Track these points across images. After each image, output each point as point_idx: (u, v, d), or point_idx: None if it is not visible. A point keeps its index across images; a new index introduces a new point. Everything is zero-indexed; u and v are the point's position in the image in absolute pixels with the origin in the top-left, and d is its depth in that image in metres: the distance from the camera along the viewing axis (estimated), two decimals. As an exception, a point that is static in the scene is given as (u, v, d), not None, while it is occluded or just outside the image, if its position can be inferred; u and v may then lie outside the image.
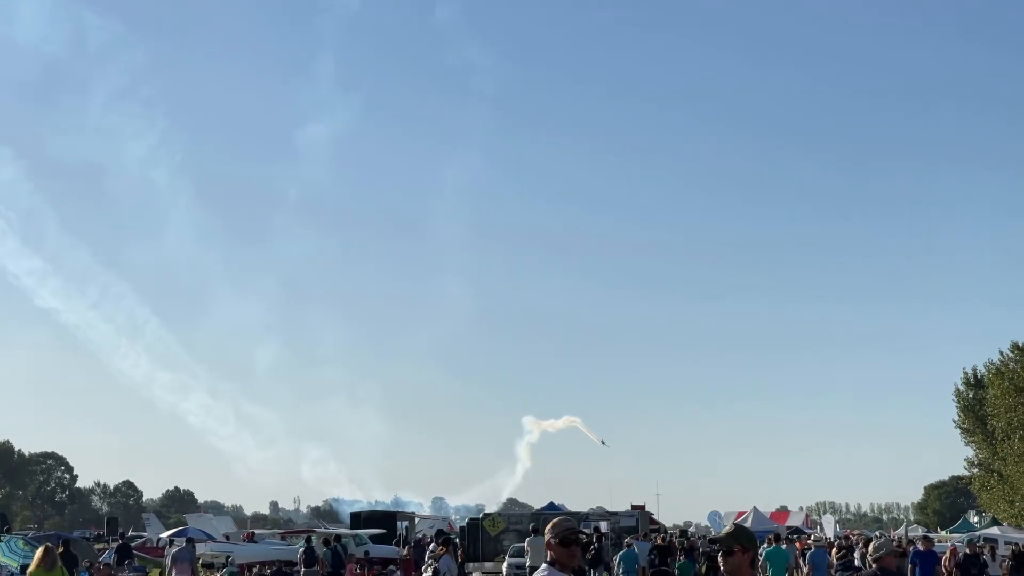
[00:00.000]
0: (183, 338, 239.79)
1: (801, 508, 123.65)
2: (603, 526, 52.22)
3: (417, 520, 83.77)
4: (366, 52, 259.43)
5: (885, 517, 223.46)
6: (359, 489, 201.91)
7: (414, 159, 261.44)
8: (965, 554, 37.50)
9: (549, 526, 8.25)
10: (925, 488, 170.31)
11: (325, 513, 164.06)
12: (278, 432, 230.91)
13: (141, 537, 76.59)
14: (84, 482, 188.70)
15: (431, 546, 40.49)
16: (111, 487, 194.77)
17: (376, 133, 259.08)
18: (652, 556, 38.47)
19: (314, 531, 59.96)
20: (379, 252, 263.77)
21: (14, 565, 36.66)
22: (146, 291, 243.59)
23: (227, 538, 69.66)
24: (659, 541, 41.30)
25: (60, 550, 25.12)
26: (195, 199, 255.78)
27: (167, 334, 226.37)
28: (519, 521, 57.33)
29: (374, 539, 60.89)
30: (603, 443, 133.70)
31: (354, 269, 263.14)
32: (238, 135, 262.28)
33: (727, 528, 7.98)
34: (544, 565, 8.11)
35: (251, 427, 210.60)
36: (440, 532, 33.23)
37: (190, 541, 43.43)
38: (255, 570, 49.56)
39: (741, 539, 7.88)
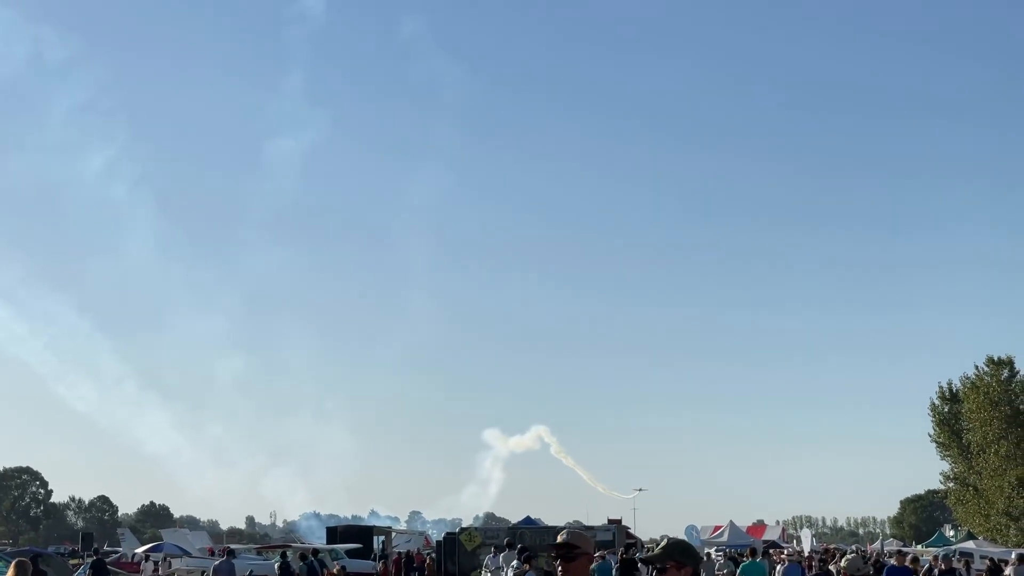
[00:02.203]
0: (148, 354, 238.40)
1: (778, 522, 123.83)
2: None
3: (394, 535, 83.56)
4: (333, 66, 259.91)
5: (861, 531, 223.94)
6: (330, 504, 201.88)
7: (381, 172, 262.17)
8: (941, 569, 37.51)
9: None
10: (901, 502, 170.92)
11: (301, 527, 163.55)
12: (247, 447, 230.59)
13: (116, 552, 76.10)
14: (59, 497, 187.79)
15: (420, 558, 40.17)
16: (86, 502, 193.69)
17: (343, 147, 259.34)
18: (616, 571, 38.41)
19: (290, 546, 59.81)
20: (346, 266, 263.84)
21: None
22: (104, 308, 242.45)
23: (212, 553, 69.37)
24: (622, 555, 41.23)
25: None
26: (157, 213, 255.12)
27: (130, 351, 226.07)
28: (495, 535, 57.24)
29: (350, 554, 60.73)
30: (640, 490, 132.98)
31: (321, 283, 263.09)
32: (204, 149, 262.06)
33: (661, 544, 7.67)
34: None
35: (219, 442, 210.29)
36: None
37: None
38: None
39: (674, 554, 7.37)
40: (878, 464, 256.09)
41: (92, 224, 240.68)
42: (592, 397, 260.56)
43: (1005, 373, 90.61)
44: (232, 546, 63.97)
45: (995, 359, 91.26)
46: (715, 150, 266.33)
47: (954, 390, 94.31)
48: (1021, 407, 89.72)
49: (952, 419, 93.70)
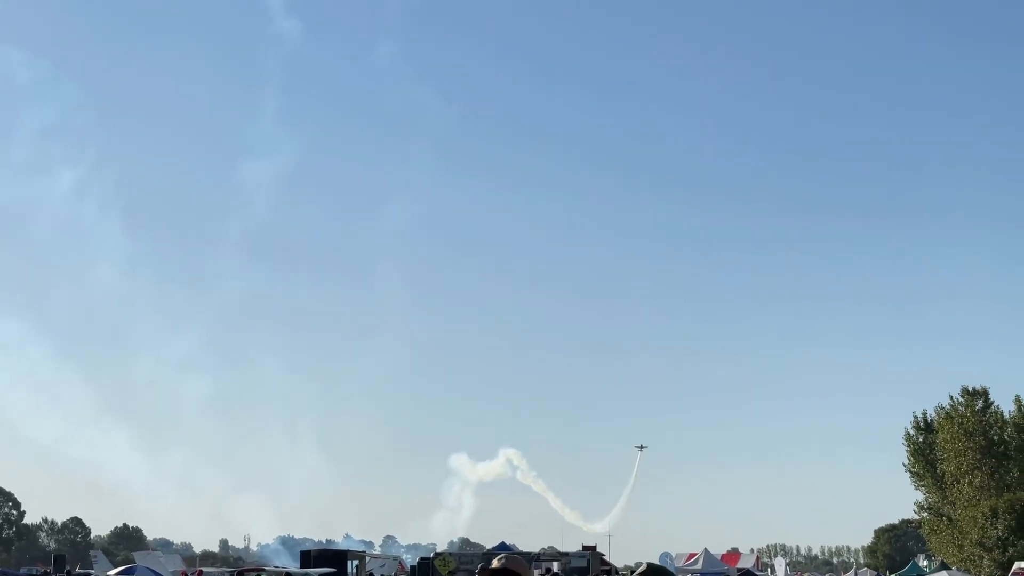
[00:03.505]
0: (115, 377, 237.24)
1: (752, 550, 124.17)
2: (555, 566, 52.24)
3: (368, 559, 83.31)
4: (308, 89, 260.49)
5: (835, 560, 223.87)
6: (302, 527, 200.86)
7: (353, 196, 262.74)
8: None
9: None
10: (875, 531, 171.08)
11: (274, 551, 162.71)
12: (218, 470, 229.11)
13: (88, 575, 75.73)
14: (32, 518, 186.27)
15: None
16: (59, 524, 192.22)
17: (316, 170, 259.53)
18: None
19: (264, 568, 59.55)
20: (317, 289, 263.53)
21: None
22: (69, 330, 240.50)
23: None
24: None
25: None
26: (125, 234, 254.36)
27: (96, 374, 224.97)
28: (469, 561, 57.22)
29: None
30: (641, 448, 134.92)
31: (292, 306, 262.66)
32: (175, 170, 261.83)
33: (640, 569, 7.78)
34: None
35: (190, 465, 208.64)
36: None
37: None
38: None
39: None
40: (852, 493, 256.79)
41: (58, 245, 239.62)
42: (571, 426, 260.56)
43: (980, 404, 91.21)
44: (205, 569, 63.81)
45: (970, 390, 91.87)
46: (700, 194, 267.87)
47: (929, 420, 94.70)
48: (995, 438, 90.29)
49: (927, 449, 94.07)
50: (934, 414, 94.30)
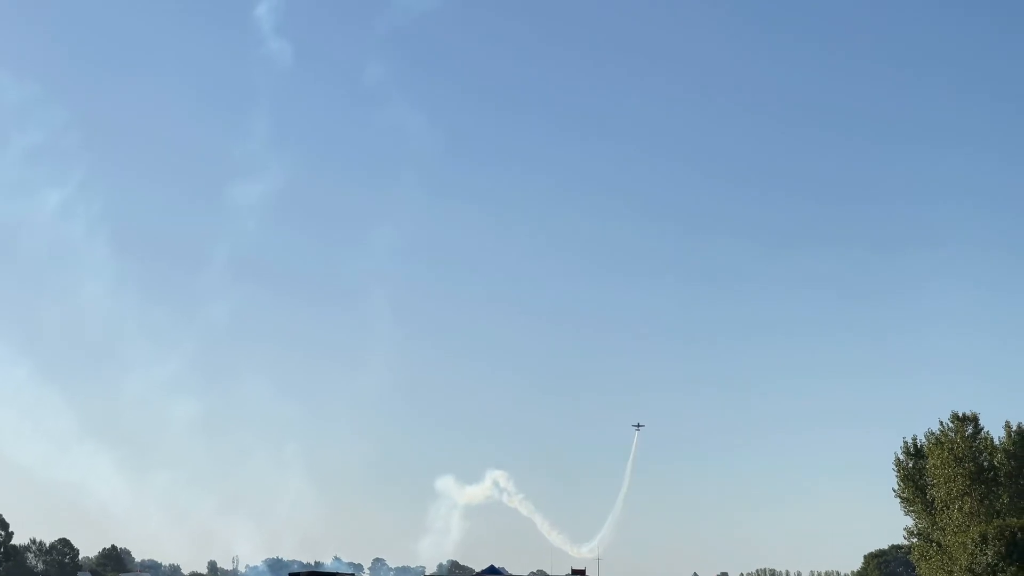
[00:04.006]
0: (102, 398, 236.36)
1: (742, 574, 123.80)
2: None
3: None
4: (298, 111, 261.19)
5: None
6: (289, 549, 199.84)
7: (342, 217, 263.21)
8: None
9: None
10: (865, 556, 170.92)
11: (261, 574, 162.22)
12: (207, 491, 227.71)
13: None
14: (20, 539, 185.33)
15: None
16: (47, 545, 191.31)
17: (305, 191, 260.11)
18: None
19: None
20: (306, 310, 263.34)
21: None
22: (56, 351, 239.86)
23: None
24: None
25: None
26: (113, 256, 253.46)
27: (82, 395, 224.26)
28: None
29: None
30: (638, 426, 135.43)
31: (280, 326, 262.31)
32: (165, 190, 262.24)
33: None
34: None
35: (179, 487, 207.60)
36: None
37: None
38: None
39: None
40: (842, 518, 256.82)
41: (45, 266, 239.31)
42: (561, 449, 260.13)
43: (970, 430, 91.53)
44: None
45: (960, 416, 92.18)
46: (681, 226, 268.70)
47: (919, 446, 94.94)
48: (985, 464, 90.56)
49: (917, 475, 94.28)
50: (924, 440, 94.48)
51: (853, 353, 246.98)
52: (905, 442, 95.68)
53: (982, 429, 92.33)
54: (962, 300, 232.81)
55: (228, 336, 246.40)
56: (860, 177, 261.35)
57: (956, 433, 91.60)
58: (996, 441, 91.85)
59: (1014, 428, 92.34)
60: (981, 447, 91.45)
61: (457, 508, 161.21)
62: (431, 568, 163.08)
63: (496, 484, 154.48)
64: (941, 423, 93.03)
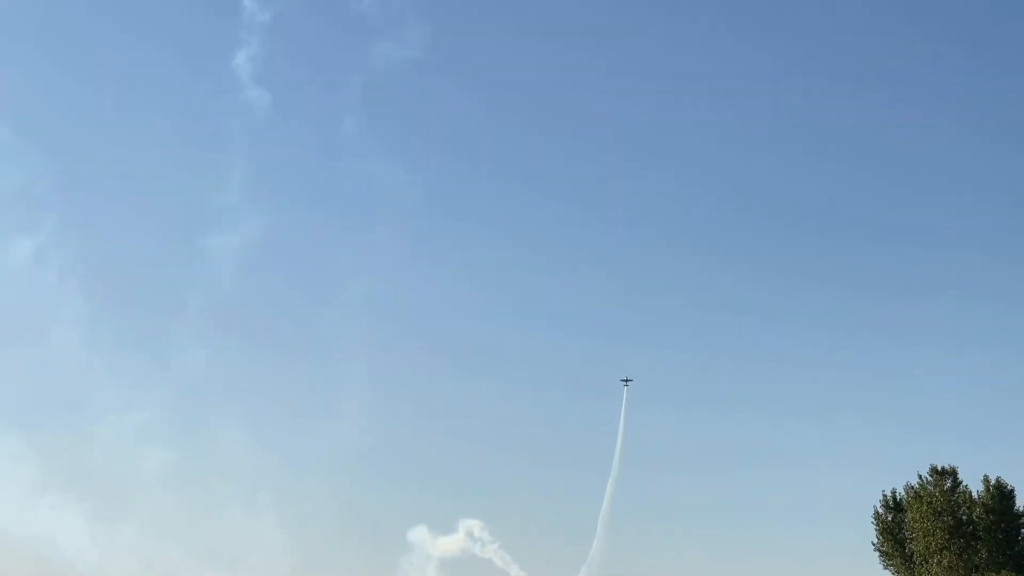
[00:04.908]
0: (70, 450, 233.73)
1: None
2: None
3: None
4: (274, 162, 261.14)
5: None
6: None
7: (318, 269, 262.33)
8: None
9: None
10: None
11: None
12: (177, 544, 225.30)
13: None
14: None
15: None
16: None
17: (281, 242, 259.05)
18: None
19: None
20: (280, 361, 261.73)
21: None
22: (24, 401, 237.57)
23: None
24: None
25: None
26: (85, 303, 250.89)
27: (50, 446, 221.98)
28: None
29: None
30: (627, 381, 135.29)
31: (254, 378, 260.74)
32: (139, 240, 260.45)
33: None
34: None
35: (146, 540, 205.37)
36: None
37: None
38: None
39: None
40: (820, 571, 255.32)
41: (16, 312, 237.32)
42: (537, 496, 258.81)
43: (948, 483, 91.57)
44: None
45: (939, 469, 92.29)
46: (673, 249, 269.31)
47: (898, 499, 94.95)
48: (964, 518, 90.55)
49: (896, 528, 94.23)
50: (903, 493, 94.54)
51: (834, 404, 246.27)
52: (884, 495, 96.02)
53: (960, 483, 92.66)
54: (945, 355, 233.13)
55: (201, 386, 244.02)
56: (845, 221, 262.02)
57: (935, 487, 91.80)
58: (975, 495, 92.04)
59: (992, 482, 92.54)
60: (960, 501, 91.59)
61: (431, 560, 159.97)
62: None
63: (470, 534, 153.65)
64: (920, 476, 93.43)
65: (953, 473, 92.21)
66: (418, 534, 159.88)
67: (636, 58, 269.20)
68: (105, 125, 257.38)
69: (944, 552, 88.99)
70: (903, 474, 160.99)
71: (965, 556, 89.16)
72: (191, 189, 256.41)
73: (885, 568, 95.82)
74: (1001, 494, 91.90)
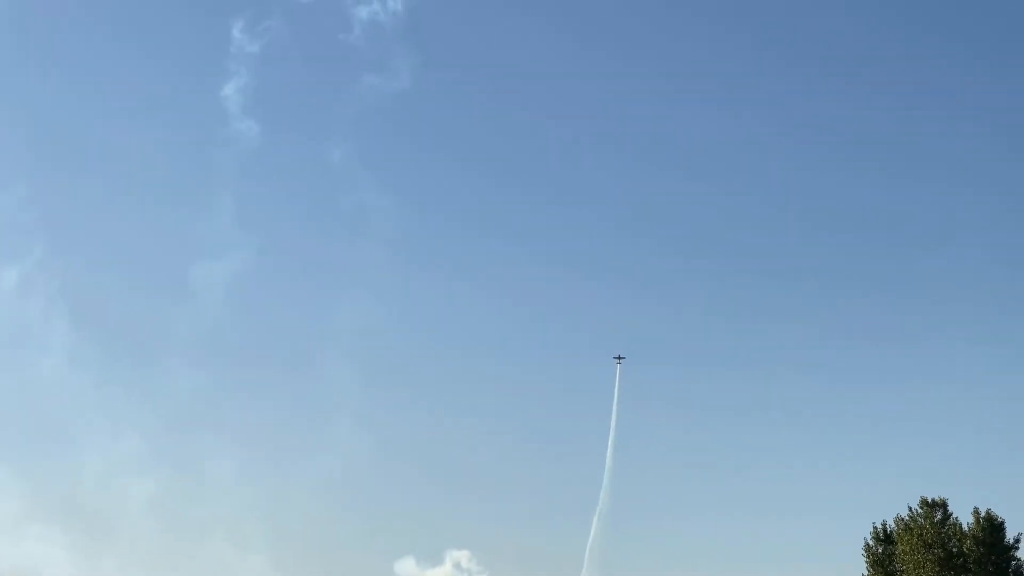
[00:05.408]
0: (55, 478, 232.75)
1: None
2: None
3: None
4: (263, 190, 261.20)
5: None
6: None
7: (308, 298, 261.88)
8: None
9: None
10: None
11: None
12: (162, 574, 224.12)
13: None
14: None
15: None
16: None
17: (271, 271, 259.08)
18: None
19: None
20: (269, 391, 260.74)
21: None
22: (9, 428, 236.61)
23: None
24: None
25: None
26: (71, 333, 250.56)
27: (35, 475, 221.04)
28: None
29: None
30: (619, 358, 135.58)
31: (242, 407, 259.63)
32: (127, 268, 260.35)
33: None
34: None
35: (131, 570, 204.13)
36: None
37: None
38: None
39: None
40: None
41: (2, 341, 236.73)
42: (524, 527, 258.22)
43: (939, 515, 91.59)
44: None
45: (929, 501, 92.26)
46: (647, 302, 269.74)
47: (888, 531, 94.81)
48: (955, 550, 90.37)
49: (886, 560, 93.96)
50: (893, 525, 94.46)
51: (823, 436, 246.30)
52: (875, 527, 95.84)
53: (951, 515, 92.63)
54: (934, 384, 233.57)
55: (188, 416, 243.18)
56: (824, 266, 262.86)
57: (925, 519, 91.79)
58: (965, 527, 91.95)
59: (983, 514, 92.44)
60: (950, 533, 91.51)
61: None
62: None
63: (458, 565, 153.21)
64: (910, 508, 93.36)
65: (943, 505, 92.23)
66: (405, 566, 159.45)
67: (630, 73, 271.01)
68: (92, 154, 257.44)
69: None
70: (894, 506, 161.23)
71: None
72: (179, 219, 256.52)
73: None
74: (991, 526, 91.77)
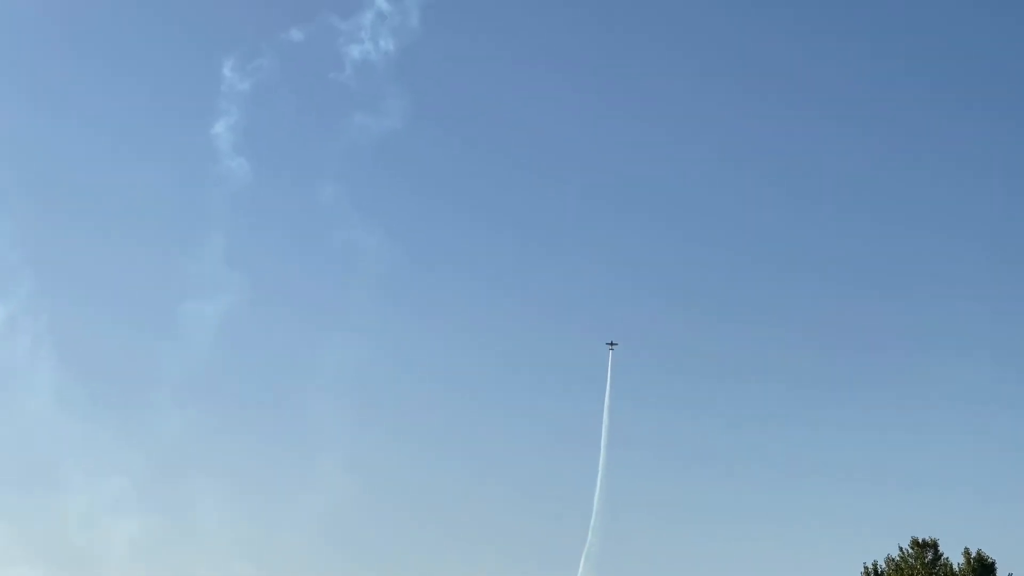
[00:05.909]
0: (41, 518, 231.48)
1: None
2: None
3: None
4: (253, 229, 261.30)
5: None
6: None
7: (297, 337, 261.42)
8: None
9: None
10: None
11: None
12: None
13: None
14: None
15: None
16: None
17: (260, 311, 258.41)
18: None
19: None
20: (258, 431, 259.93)
21: None
22: None
23: None
24: None
25: None
26: (58, 373, 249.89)
27: (20, 514, 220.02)
28: None
29: None
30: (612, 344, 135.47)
31: (231, 447, 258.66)
32: (115, 307, 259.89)
33: None
34: None
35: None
36: None
37: None
38: None
39: None
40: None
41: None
42: (513, 567, 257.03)
43: (929, 556, 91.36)
44: None
45: (919, 541, 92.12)
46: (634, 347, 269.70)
47: (879, 571, 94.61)
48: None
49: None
50: (884, 565, 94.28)
51: (812, 473, 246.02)
52: (866, 567, 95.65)
53: (941, 555, 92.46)
54: (923, 424, 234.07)
55: (176, 456, 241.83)
56: (809, 317, 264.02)
57: (916, 559, 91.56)
58: (956, 567, 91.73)
59: (973, 555, 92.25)
60: (941, 574, 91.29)
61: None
62: None
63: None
64: (901, 549, 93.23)
65: (934, 545, 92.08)
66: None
67: (622, 110, 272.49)
68: (81, 191, 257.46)
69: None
70: (884, 546, 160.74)
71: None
72: (168, 256, 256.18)
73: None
74: (982, 566, 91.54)
